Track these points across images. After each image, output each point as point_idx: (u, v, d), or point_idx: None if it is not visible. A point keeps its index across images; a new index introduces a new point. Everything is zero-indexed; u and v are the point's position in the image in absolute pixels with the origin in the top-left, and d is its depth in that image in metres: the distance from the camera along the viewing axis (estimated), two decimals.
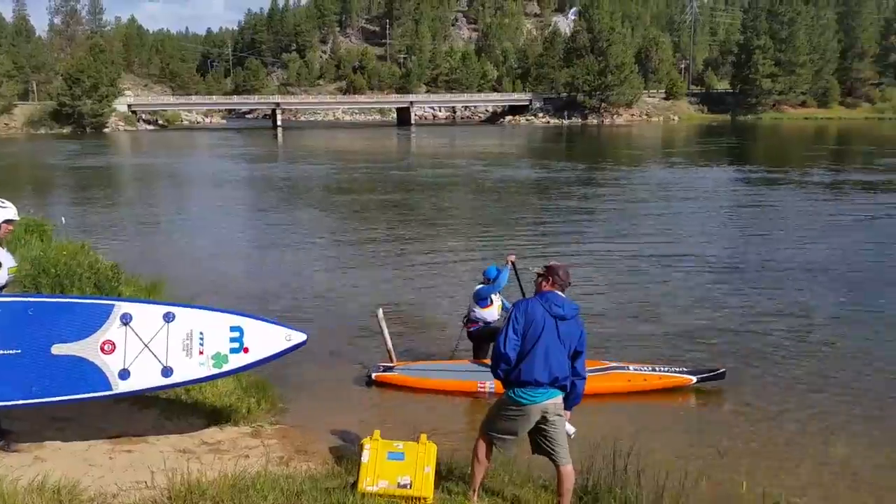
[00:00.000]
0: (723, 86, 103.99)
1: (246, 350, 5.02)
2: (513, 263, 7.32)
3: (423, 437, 4.52)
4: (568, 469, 4.29)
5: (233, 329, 5.04)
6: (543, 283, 4.33)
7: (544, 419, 4.22)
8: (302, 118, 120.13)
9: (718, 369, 7.45)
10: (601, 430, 5.29)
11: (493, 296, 7.51)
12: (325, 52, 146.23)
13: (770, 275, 12.29)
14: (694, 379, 7.32)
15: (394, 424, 5.90)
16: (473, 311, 7.56)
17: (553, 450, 4.28)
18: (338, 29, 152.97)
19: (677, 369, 7.50)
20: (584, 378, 4.33)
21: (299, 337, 5.01)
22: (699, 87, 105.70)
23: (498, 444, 4.37)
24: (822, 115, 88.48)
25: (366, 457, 4.36)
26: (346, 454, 5.17)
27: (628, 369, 7.45)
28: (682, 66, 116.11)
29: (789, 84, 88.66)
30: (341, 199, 23.13)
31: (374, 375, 7.43)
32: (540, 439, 4.31)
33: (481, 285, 7.55)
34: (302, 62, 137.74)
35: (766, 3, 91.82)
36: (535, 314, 4.17)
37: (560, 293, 4.28)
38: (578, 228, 17.30)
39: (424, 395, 7.20)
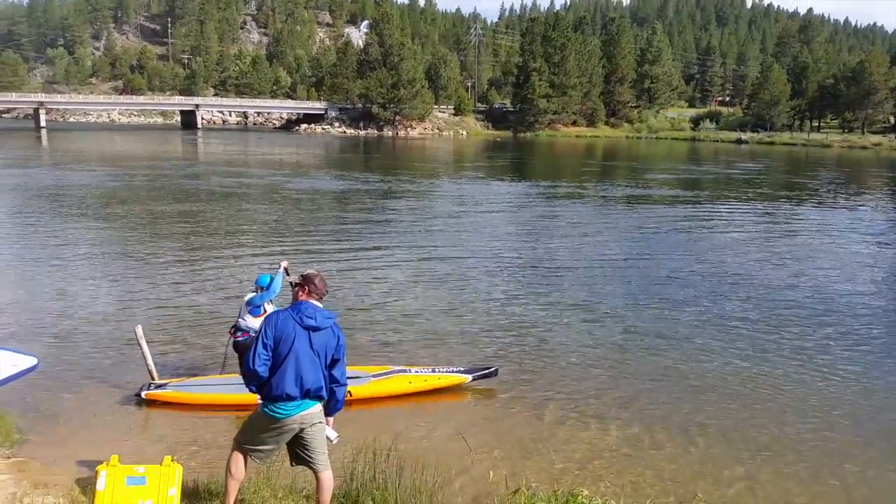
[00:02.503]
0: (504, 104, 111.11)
1: None
2: (286, 269, 7.19)
3: (167, 458, 4.34)
4: (327, 475, 4.33)
5: None
6: (299, 293, 4.31)
7: (302, 430, 4.23)
8: (72, 119, 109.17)
9: (491, 368, 8.01)
10: (369, 434, 5.40)
11: (266, 304, 7.32)
12: (97, 48, 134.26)
13: (552, 277, 13.33)
14: (469, 378, 7.80)
15: (154, 446, 5.58)
16: (243, 320, 7.29)
17: (311, 457, 4.29)
18: (112, 25, 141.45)
19: (455, 369, 7.95)
20: (345, 385, 4.38)
21: (27, 362, 4.56)
22: (484, 105, 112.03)
23: (254, 457, 4.31)
24: (590, 133, 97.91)
25: (101, 484, 4.10)
26: (91, 484, 4.76)
27: (409, 372, 7.81)
28: (469, 83, 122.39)
29: (562, 104, 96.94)
30: (118, 210, 21.18)
31: (144, 394, 7.06)
32: (299, 449, 4.31)
33: (253, 294, 7.36)
34: (71, 59, 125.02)
35: (541, 28, 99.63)
36: (285, 327, 4.12)
37: (316, 303, 4.26)
38: (376, 237, 17.46)
39: (198, 412, 6.90)
